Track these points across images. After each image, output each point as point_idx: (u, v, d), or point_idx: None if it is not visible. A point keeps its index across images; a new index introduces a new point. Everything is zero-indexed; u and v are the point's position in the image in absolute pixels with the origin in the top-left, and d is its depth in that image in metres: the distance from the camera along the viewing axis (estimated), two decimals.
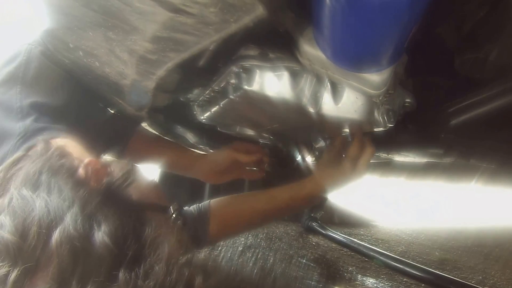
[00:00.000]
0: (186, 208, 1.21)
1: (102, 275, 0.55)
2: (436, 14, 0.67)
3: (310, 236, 1.95)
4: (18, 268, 0.54)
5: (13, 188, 0.65)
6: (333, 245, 1.79)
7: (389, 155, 1.51)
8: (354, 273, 1.49)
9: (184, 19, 0.72)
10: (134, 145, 1.37)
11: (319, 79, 0.96)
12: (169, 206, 0.87)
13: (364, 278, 1.43)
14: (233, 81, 1.05)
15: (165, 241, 0.64)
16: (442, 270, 1.32)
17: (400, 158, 1.53)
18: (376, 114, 1.02)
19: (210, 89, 1.16)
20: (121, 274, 0.55)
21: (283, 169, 1.84)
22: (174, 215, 0.87)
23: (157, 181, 1.19)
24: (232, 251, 1.66)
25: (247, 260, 1.58)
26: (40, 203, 0.61)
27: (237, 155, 1.46)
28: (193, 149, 1.63)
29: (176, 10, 0.69)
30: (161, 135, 1.55)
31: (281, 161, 1.91)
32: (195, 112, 1.37)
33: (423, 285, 1.32)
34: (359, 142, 1.16)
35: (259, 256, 1.62)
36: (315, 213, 2.05)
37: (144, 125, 1.49)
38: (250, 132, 1.52)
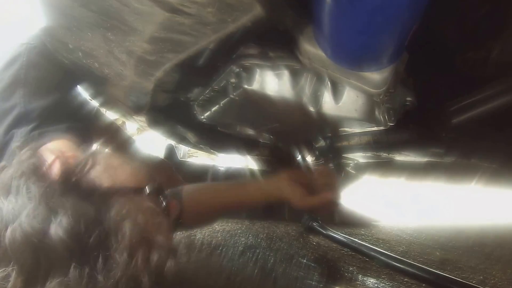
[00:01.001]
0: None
1: (60, 270, 0.55)
2: (437, 12, 0.66)
3: (311, 236, 1.95)
4: None
5: None
6: (334, 245, 1.78)
7: (390, 155, 1.51)
8: (355, 273, 1.48)
9: (181, 19, 0.71)
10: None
11: (319, 78, 0.96)
12: (144, 187, 0.81)
13: (365, 278, 1.43)
14: (233, 80, 1.05)
15: (128, 224, 0.63)
16: (443, 270, 1.31)
17: (401, 157, 1.53)
18: (376, 113, 1.02)
19: (210, 88, 1.16)
20: (75, 269, 0.55)
21: (282, 169, 1.84)
22: (149, 195, 0.81)
23: (141, 162, 1.14)
24: (232, 251, 1.65)
25: (247, 260, 1.58)
26: (7, 206, 0.61)
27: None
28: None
29: (173, 10, 0.69)
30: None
31: (281, 160, 1.91)
32: (195, 112, 1.37)
33: (424, 285, 1.31)
34: (330, 184, 1.20)
35: (259, 256, 1.61)
36: (315, 213, 2.04)
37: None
38: (250, 131, 1.52)
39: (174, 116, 1.46)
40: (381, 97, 0.93)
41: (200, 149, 2.08)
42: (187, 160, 2.47)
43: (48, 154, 0.80)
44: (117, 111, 1.63)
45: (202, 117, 1.36)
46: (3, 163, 0.74)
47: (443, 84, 1.06)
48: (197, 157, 3.14)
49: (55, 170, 0.71)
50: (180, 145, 2.34)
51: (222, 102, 1.17)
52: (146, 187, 0.81)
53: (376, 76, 0.80)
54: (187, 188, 1.26)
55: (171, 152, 2.30)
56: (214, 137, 1.63)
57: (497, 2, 0.81)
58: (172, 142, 2.28)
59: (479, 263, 1.57)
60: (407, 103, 1.02)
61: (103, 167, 0.76)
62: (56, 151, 0.86)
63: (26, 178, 0.66)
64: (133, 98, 1.19)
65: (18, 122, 0.99)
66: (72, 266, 0.55)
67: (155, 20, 0.74)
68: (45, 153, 0.80)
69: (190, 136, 1.61)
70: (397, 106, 1.02)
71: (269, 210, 2.18)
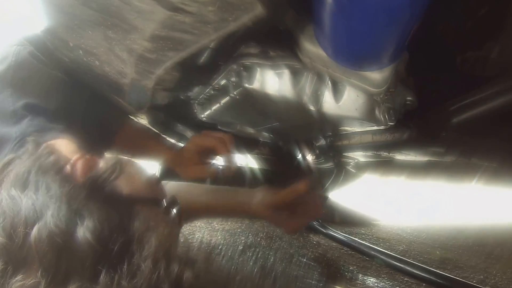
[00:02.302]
0: None
1: (84, 273, 0.55)
2: (438, 12, 0.66)
3: (311, 235, 1.95)
4: (9, 268, 0.54)
5: (3, 189, 0.64)
6: (334, 244, 1.79)
7: (390, 154, 1.51)
8: (355, 272, 1.49)
9: (182, 18, 0.71)
10: (122, 139, 1.37)
11: (320, 77, 0.96)
12: (162, 199, 0.83)
13: (365, 277, 1.43)
14: (233, 79, 1.05)
15: (153, 235, 0.63)
16: (443, 270, 1.31)
17: (401, 156, 1.53)
18: (377, 112, 1.02)
19: (211, 87, 1.16)
20: (103, 273, 0.54)
21: (283, 167, 1.84)
22: (167, 208, 0.83)
23: (154, 174, 1.16)
24: (232, 250, 1.65)
25: (247, 259, 1.58)
26: (27, 202, 0.61)
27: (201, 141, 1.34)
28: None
29: (174, 8, 0.69)
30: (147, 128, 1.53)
31: (281, 159, 1.91)
32: (195, 110, 1.37)
33: (424, 284, 1.32)
34: (312, 204, 1.24)
35: (259, 255, 1.62)
36: None
37: (137, 119, 1.49)
38: (250, 130, 1.52)
39: (174, 115, 1.46)
40: (381, 97, 0.93)
41: None
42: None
43: (66, 153, 0.82)
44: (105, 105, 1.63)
45: (202, 115, 1.36)
46: (12, 155, 0.74)
47: (444, 84, 1.06)
48: None
49: (79, 171, 0.72)
50: (180, 143, 2.34)
51: (222, 101, 1.17)
52: (164, 199, 0.83)
53: (377, 75, 0.80)
54: (171, 185, 1.32)
55: None
56: None
57: (496, 2, 0.81)
58: (172, 140, 2.28)
59: (479, 262, 1.57)
60: (408, 103, 1.01)
61: (125, 175, 0.76)
62: (73, 151, 0.88)
63: (45, 174, 0.66)
64: (133, 96, 1.19)
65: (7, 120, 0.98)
66: (103, 272, 0.54)
67: (156, 19, 0.74)
68: (62, 152, 0.82)
69: (190, 134, 1.61)
70: (397, 105, 1.02)
71: None
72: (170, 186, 1.33)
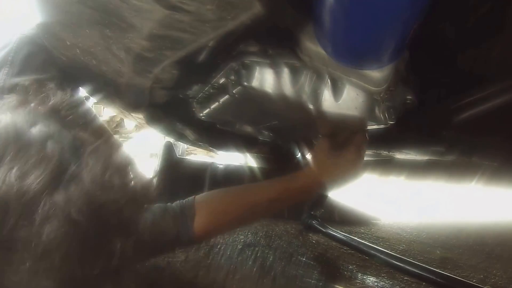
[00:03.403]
0: (169, 204, 1.16)
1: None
2: (438, 10, 0.66)
3: (310, 234, 1.95)
4: None
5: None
6: (333, 243, 1.79)
7: (390, 153, 1.50)
8: (355, 271, 1.48)
9: (180, 17, 0.71)
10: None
11: (319, 76, 0.95)
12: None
13: (364, 277, 1.43)
14: (232, 77, 1.04)
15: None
16: (443, 269, 1.31)
17: (401, 155, 1.53)
18: (377, 111, 1.01)
19: (210, 85, 1.15)
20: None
21: (282, 166, 1.84)
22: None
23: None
24: (231, 249, 1.65)
25: (246, 258, 1.58)
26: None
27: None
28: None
29: (172, 7, 0.68)
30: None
31: (281, 158, 1.91)
32: (194, 109, 1.37)
33: (424, 283, 1.31)
34: (359, 139, 1.13)
35: (258, 254, 1.61)
36: (315, 211, 2.04)
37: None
38: (249, 129, 1.51)
39: (172, 114, 1.46)
40: (381, 95, 0.92)
41: (199, 146, 2.08)
42: (186, 157, 2.47)
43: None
44: (116, 108, 1.62)
45: (201, 114, 1.35)
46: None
47: (444, 83, 1.06)
48: (195, 154, 3.14)
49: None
50: (179, 142, 2.34)
51: (221, 100, 1.16)
52: None
53: (377, 74, 0.79)
54: (200, 197, 1.20)
55: (169, 149, 2.29)
56: (213, 134, 1.63)
57: (497, 0, 0.81)
58: (170, 139, 2.28)
59: (479, 261, 1.57)
60: (408, 102, 1.01)
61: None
62: None
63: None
64: (131, 95, 1.19)
65: None
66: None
67: (154, 17, 0.74)
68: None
69: (189, 133, 1.60)
70: (397, 104, 1.01)
71: None
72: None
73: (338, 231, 1.79)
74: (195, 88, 1.22)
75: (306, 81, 0.97)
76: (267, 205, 1.19)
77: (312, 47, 0.80)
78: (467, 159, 1.26)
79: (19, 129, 0.65)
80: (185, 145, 2.44)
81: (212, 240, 1.71)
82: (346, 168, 1.15)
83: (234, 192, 1.24)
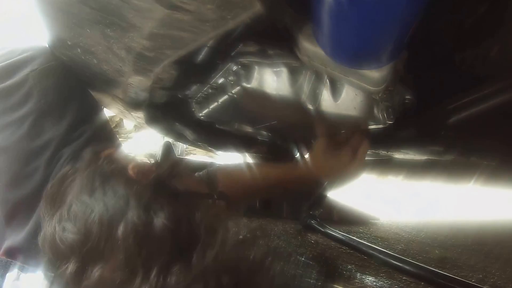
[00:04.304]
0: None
1: (164, 257, 0.64)
2: (437, 10, 0.66)
3: (309, 234, 1.94)
4: (83, 263, 0.64)
5: (71, 197, 0.74)
6: (332, 243, 1.78)
7: (389, 153, 1.51)
8: (353, 271, 1.48)
9: (181, 16, 0.71)
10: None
11: (318, 76, 0.96)
12: (211, 192, 0.97)
13: (363, 276, 1.43)
14: (231, 77, 1.05)
15: (220, 226, 0.73)
16: (442, 269, 1.31)
17: (400, 155, 1.53)
18: (375, 111, 1.02)
19: (209, 85, 1.16)
20: (180, 262, 0.64)
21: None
22: (218, 199, 0.96)
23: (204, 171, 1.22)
24: None
25: None
26: (98, 204, 0.69)
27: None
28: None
29: (173, 7, 0.69)
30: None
31: (280, 158, 1.91)
32: (193, 109, 1.37)
33: (422, 283, 1.31)
34: (359, 136, 1.14)
35: None
36: (314, 210, 2.04)
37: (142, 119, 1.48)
38: (248, 129, 1.52)
39: (172, 113, 1.46)
40: (380, 95, 0.92)
41: (198, 146, 2.09)
42: (185, 157, 2.47)
43: (119, 159, 0.91)
44: (115, 108, 1.63)
45: (200, 114, 1.36)
46: (67, 167, 0.86)
47: (442, 82, 1.06)
48: (195, 154, 3.14)
49: (141, 174, 0.82)
50: (178, 142, 2.34)
51: (220, 100, 1.17)
52: (214, 193, 0.97)
53: (375, 74, 0.80)
54: (220, 167, 1.30)
55: (168, 149, 2.29)
56: (212, 134, 1.63)
57: (495, 0, 0.81)
58: (169, 139, 2.28)
59: (478, 261, 1.57)
60: (406, 101, 1.01)
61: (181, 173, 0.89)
62: (126, 158, 0.97)
63: (107, 179, 0.75)
64: (131, 95, 1.19)
65: (58, 151, 1.03)
66: (178, 258, 0.64)
67: (154, 17, 0.74)
68: (115, 158, 0.90)
69: (188, 133, 1.61)
70: (396, 104, 1.02)
71: (267, 207, 2.18)
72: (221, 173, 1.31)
73: (337, 231, 1.78)
74: (194, 88, 1.23)
75: (305, 81, 0.97)
76: (269, 188, 1.29)
77: (311, 47, 0.81)
78: (465, 159, 1.26)
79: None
80: (184, 145, 2.45)
81: None
82: (345, 168, 1.17)
83: (246, 170, 1.32)
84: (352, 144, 1.14)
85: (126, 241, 0.64)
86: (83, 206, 0.70)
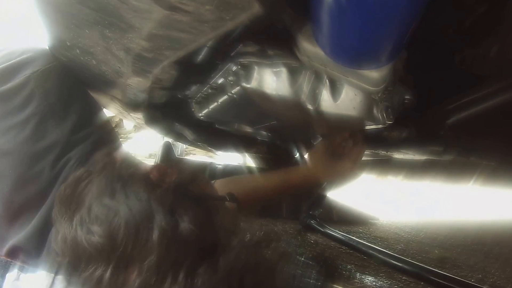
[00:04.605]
0: None
1: (190, 259, 0.66)
2: (436, 10, 0.66)
3: (309, 234, 1.94)
4: (112, 266, 0.65)
5: (91, 199, 0.73)
6: (332, 243, 1.78)
7: (388, 153, 1.51)
8: (353, 271, 1.48)
9: (179, 17, 0.71)
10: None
11: (317, 76, 0.96)
12: (225, 196, 0.97)
13: (363, 276, 1.43)
14: (231, 78, 1.04)
15: (237, 228, 0.77)
16: (441, 269, 1.31)
17: (400, 155, 1.53)
18: (375, 111, 1.01)
19: (208, 86, 1.16)
20: (209, 263, 0.66)
21: (281, 166, 1.84)
22: (233, 203, 0.98)
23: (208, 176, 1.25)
24: None
25: None
26: (122, 207, 0.70)
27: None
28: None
29: (171, 7, 0.68)
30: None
31: (279, 158, 1.91)
32: (193, 109, 1.37)
33: (422, 283, 1.31)
34: (357, 138, 1.17)
35: None
36: (313, 210, 2.04)
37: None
38: (248, 129, 1.52)
39: (171, 114, 1.46)
40: (379, 95, 0.92)
41: (198, 146, 2.08)
42: (185, 157, 2.47)
43: (137, 163, 0.95)
44: (115, 108, 1.62)
45: (200, 114, 1.36)
46: (81, 170, 0.84)
47: (442, 82, 1.06)
48: (194, 154, 3.14)
49: (163, 178, 0.82)
50: (178, 142, 2.34)
51: (220, 100, 1.16)
52: (226, 195, 0.97)
53: (375, 74, 0.80)
54: (218, 182, 1.35)
55: (168, 149, 2.29)
56: (211, 134, 1.63)
57: (495, 0, 0.81)
58: (169, 139, 2.27)
59: (477, 261, 1.57)
60: (406, 101, 1.01)
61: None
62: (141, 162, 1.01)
63: (128, 183, 0.76)
64: (130, 96, 1.19)
65: (63, 153, 1.03)
66: (202, 260, 0.66)
67: (153, 18, 0.74)
68: (133, 162, 0.93)
69: (188, 133, 1.60)
70: (395, 104, 1.01)
71: (266, 207, 2.18)
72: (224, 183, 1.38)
73: (337, 231, 1.78)
74: (194, 88, 1.23)
75: (304, 81, 0.97)
76: (270, 194, 1.36)
77: (311, 47, 0.80)
78: (465, 159, 1.26)
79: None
80: (184, 145, 2.44)
81: None
82: (344, 168, 1.20)
83: (246, 180, 1.44)
84: (352, 145, 1.16)
85: (159, 246, 0.65)
86: (105, 209, 0.70)
